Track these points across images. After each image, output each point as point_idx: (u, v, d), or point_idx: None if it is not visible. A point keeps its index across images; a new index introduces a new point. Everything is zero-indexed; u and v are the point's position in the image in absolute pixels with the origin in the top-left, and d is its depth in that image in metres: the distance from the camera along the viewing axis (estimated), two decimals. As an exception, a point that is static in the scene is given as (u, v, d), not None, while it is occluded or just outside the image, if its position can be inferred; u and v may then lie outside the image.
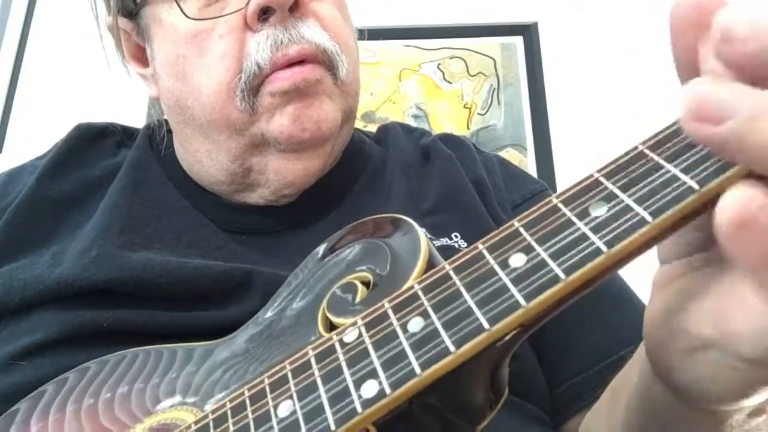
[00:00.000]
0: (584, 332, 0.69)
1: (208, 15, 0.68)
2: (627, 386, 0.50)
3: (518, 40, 2.20)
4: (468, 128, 2.11)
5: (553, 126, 2.08)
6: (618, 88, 2.11)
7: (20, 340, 0.62)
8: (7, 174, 0.80)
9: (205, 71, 0.68)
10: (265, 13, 0.66)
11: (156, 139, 0.82)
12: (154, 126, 0.83)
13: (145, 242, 0.68)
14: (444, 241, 0.70)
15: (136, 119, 1.87)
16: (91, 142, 0.80)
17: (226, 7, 0.68)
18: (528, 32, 2.19)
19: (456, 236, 0.71)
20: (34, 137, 1.65)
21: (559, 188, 1.99)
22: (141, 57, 0.79)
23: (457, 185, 0.76)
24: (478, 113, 2.13)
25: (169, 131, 0.81)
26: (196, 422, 0.44)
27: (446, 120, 2.12)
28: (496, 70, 2.17)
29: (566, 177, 1.99)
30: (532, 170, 2.01)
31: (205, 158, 0.73)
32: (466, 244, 0.70)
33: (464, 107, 2.14)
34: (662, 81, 2.12)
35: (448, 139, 0.86)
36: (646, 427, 0.46)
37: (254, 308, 0.60)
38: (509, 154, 2.06)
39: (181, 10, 0.68)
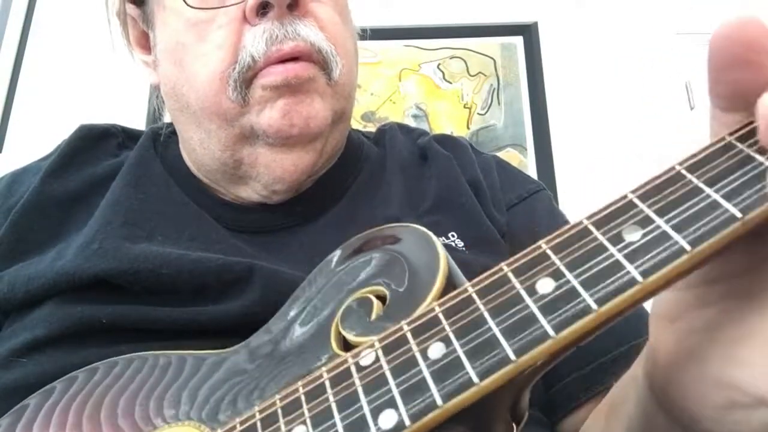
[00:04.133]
0: None
1: (209, 5, 0.69)
2: (625, 407, 0.48)
3: (518, 40, 2.19)
4: (468, 128, 2.10)
5: (553, 126, 2.07)
6: (618, 88, 2.10)
7: (21, 336, 0.62)
8: (11, 175, 0.80)
9: (201, 59, 0.69)
10: (264, 8, 0.67)
11: (159, 139, 0.82)
12: (158, 126, 0.84)
13: (147, 235, 0.68)
14: (441, 240, 0.70)
15: (136, 119, 1.86)
16: (94, 143, 0.81)
17: None
18: (528, 32, 2.19)
19: (453, 236, 0.71)
20: (34, 137, 1.64)
21: (559, 188, 1.99)
22: (145, 44, 0.80)
23: (454, 186, 0.77)
24: (478, 113, 2.12)
25: (174, 133, 0.82)
26: (205, 444, 0.43)
27: (446, 120, 2.11)
28: (496, 70, 2.17)
29: (566, 177, 1.99)
30: (532, 170, 2.01)
31: (198, 146, 0.74)
32: (462, 244, 0.70)
33: (464, 107, 2.13)
34: (662, 81, 2.11)
35: (445, 139, 0.86)
36: None
37: (253, 303, 0.61)
38: (509, 154, 2.05)
39: None
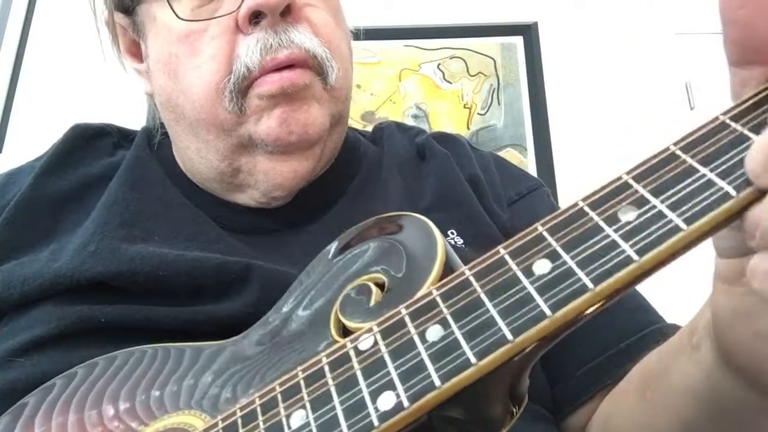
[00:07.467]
0: (585, 325, 0.68)
1: (200, 16, 0.68)
2: (671, 380, 0.49)
3: (518, 40, 2.20)
4: (468, 128, 2.10)
5: (553, 126, 2.07)
6: (618, 88, 2.10)
7: (19, 336, 0.62)
8: (6, 175, 0.80)
9: (196, 71, 0.68)
10: (256, 17, 0.66)
11: (154, 139, 0.82)
12: (152, 127, 0.84)
13: (144, 235, 0.68)
14: None
15: (136, 119, 1.86)
16: (88, 142, 0.80)
17: (219, 9, 0.68)
18: (528, 32, 2.19)
19: (452, 233, 0.71)
20: (34, 137, 1.63)
21: (559, 188, 1.99)
22: (136, 52, 0.79)
23: (452, 183, 0.76)
24: (478, 113, 2.12)
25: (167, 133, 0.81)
26: (205, 430, 0.43)
27: (446, 120, 2.11)
28: (496, 70, 2.17)
29: (566, 177, 1.99)
30: (532, 170, 2.01)
31: (195, 156, 0.74)
32: (462, 241, 0.70)
33: (464, 107, 2.13)
34: (662, 81, 2.11)
35: (442, 137, 0.86)
36: (718, 420, 0.46)
37: (252, 303, 0.60)
38: (509, 154, 2.05)
39: (173, 11, 0.68)
